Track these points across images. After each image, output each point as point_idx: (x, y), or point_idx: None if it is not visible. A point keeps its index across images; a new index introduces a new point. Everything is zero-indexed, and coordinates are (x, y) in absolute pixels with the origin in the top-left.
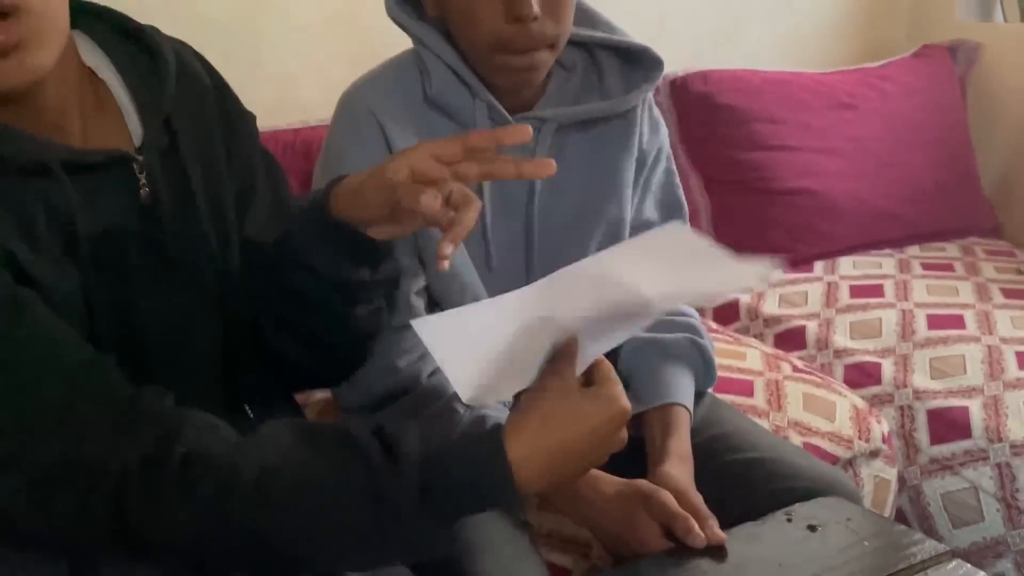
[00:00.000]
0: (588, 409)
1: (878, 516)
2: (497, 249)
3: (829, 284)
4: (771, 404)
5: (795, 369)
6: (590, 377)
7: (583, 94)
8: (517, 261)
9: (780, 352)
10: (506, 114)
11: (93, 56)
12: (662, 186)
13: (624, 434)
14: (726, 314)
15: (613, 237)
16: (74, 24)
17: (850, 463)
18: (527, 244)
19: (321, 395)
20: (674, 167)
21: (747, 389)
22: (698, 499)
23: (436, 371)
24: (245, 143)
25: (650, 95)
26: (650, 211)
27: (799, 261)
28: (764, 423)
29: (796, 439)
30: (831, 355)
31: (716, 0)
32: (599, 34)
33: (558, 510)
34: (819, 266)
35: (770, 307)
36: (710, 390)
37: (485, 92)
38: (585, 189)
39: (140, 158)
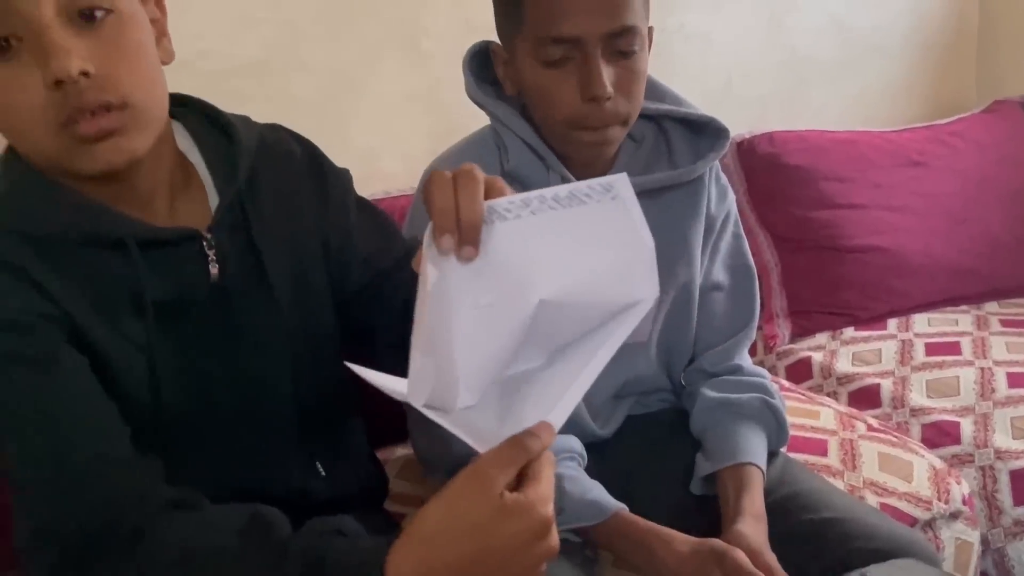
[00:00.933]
0: (501, 522)
1: None
2: None
3: (903, 341)
4: (846, 464)
5: (870, 428)
6: (520, 477)
7: (652, 163)
8: None
9: (854, 411)
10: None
11: (185, 141)
12: (730, 249)
13: (554, 542)
14: (798, 372)
15: (685, 299)
16: (172, 113)
17: (929, 525)
18: None
19: (403, 452)
20: (742, 231)
21: (821, 448)
22: (772, 559)
23: None
24: (339, 195)
25: (717, 163)
26: (719, 274)
27: (872, 318)
28: (839, 483)
29: (872, 500)
30: (907, 414)
31: (782, 63)
32: (666, 106)
33: (633, 569)
34: (892, 323)
35: (843, 365)
36: (783, 450)
37: (559, 165)
38: (656, 253)
39: (209, 236)
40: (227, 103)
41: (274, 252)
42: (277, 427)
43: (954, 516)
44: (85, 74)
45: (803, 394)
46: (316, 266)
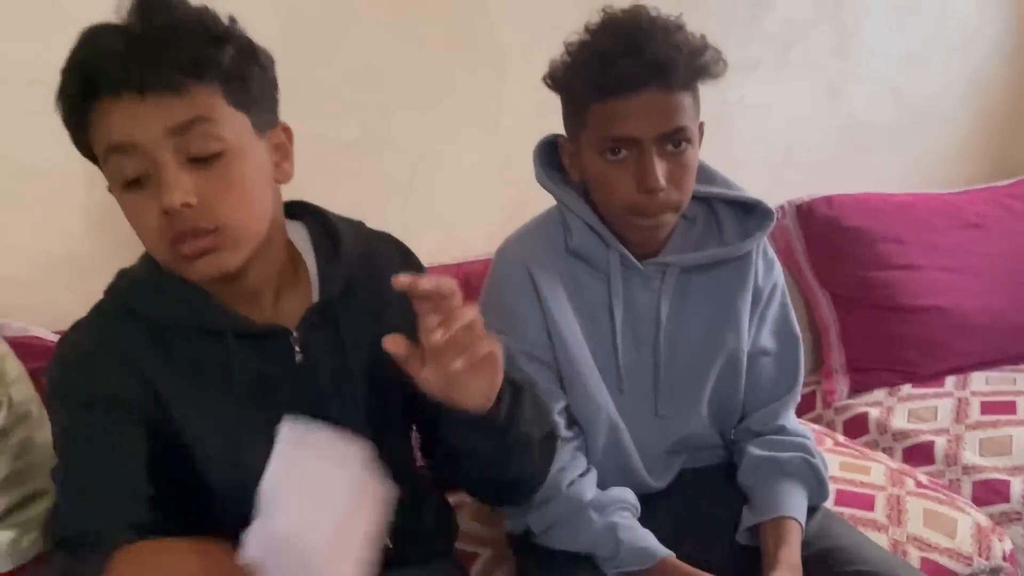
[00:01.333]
0: None
1: None
2: (627, 374)
3: (959, 400)
4: (891, 519)
5: (918, 485)
6: None
7: (703, 241)
8: (645, 385)
9: (906, 467)
10: (635, 261)
11: (302, 242)
12: (777, 318)
13: None
14: (855, 427)
15: (733, 364)
16: (293, 216)
17: None
18: (655, 370)
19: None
20: (788, 301)
21: (868, 503)
22: None
23: (574, 481)
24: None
25: (764, 239)
26: (767, 340)
27: (930, 376)
28: (883, 537)
29: (915, 554)
30: (959, 471)
31: (841, 129)
32: (717, 189)
33: None
34: (950, 381)
35: (899, 422)
36: (825, 504)
37: (617, 244)
38: (706, 322)
39: (295, 334)
40: (327, 179)
41: (357, 348)
42: None
43: (994, 572)
44: (188, 205)
45: (857, 449)
46: (381, 357)
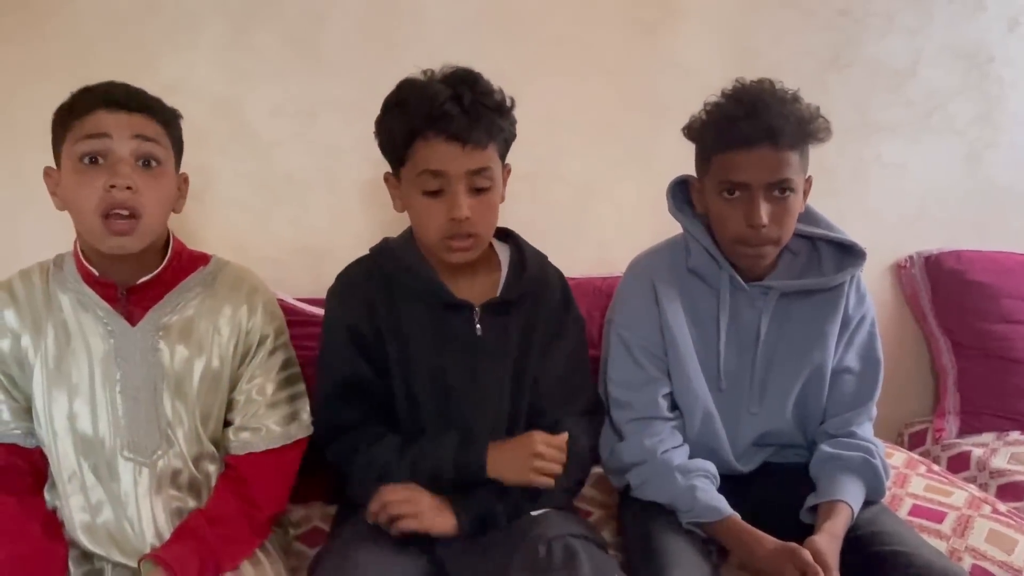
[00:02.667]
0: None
1: None
2: (727, 375)
3: None
4: (955, 532)
5: (995, 511)
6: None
7: (804, 272)
8: (743, 386)
9: (990, 497)
10: (743, 283)
11: (504, 253)
12: (864, 344)
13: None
14: (957, 463)
15: (817, 377)
16: (503, 237)
17: None
18: (751, 375)
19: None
20: (876, 331)
21: (939, 518)
22: (832, 560)
23: (667, 451)
24: (571, 325)
25: (859, 275)
26: (851, 360)
27: None
28: (941, 544)
29: (968, 561)
30: None
31: (978, 191)
32: (820, 231)
33: (738, 561)
34: None
35: (999, 462)
36: (884, 502)
37: (728, 267)
38: (799, 340)
39: (477, 310)
40: (508, 203)
41: (515, 334)
42: (490, 416)
43: None
44: (467, 218)
45: (947, 478)
46: (536, 351)
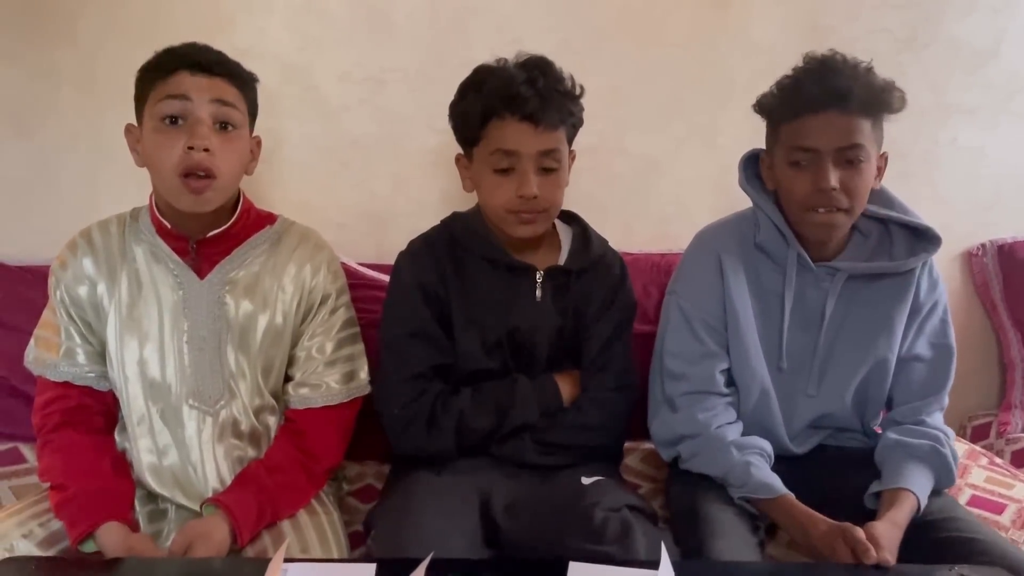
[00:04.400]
0: None
1: None
2: (788, 356)
3: None
4: (1015, 524)
5: None
6: None
7: (874, 255)
8: (803, 368)
9: None
10: (810, 262)
11: (565, 234)
12: (935, 332)
13: None
14: (1021, 458)
15: (881, 366)
16: (567, 220)
17: None
18: (812, 357)
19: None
20: (949, 318)
21: (999, 509)
22: (888, 544)
23: (720, 426)
24: (619, 301)
25: (932, 260)
26: (922, 348)
27: None
28: (1001, 534)
29: None
30: None
31: None
32: (893, 214)
33: (790, 543)
34: None
35: None
36: (949, 492)
37: (796, 244)
38: (865, 325)
39: (540, 274)
40: (572, 177)
41: (565, 297)
42: (544, 361)
43: None
44: (535, 196)
45: (1010, 471)
46: (585, 315)
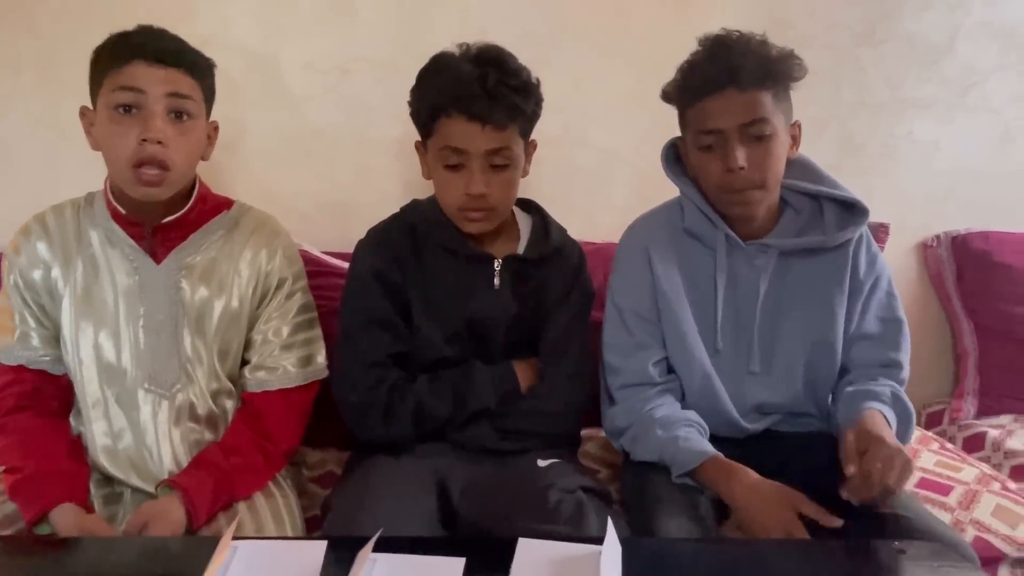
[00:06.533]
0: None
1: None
2: (725, 337)
3: None
4: (961, 505)
5: (1004, 488)
6: None
7: (806, 230)
8: (742, 347)
9: (1001, 476)
10: (740, 241)
11: (524, 223)
12: (882, 306)
13: None
14: (972, 444)
15: (826, 347)
16: (524, 207)
17: (1020, 563)
18: (748, 339)
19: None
20: (895, 291)
21: (945, 491)
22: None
23: (652, 408)
24: (575, 291)
25: (867, 235)
26: (871, 326)
27: None
28: (946, 515)
29: (971, 532)
30: None
31: (1012, 173)
32: (824, 188)
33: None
34: None
35: (1014, 443)
36: None
37: (723, 224)
38: (802, 304)
39: (498, 262)
40: (535, 168)
41: (523, 286)
42: (497, 347)
43: None
44: (483, 195)
45: (958, 455)
46: (543, 303)
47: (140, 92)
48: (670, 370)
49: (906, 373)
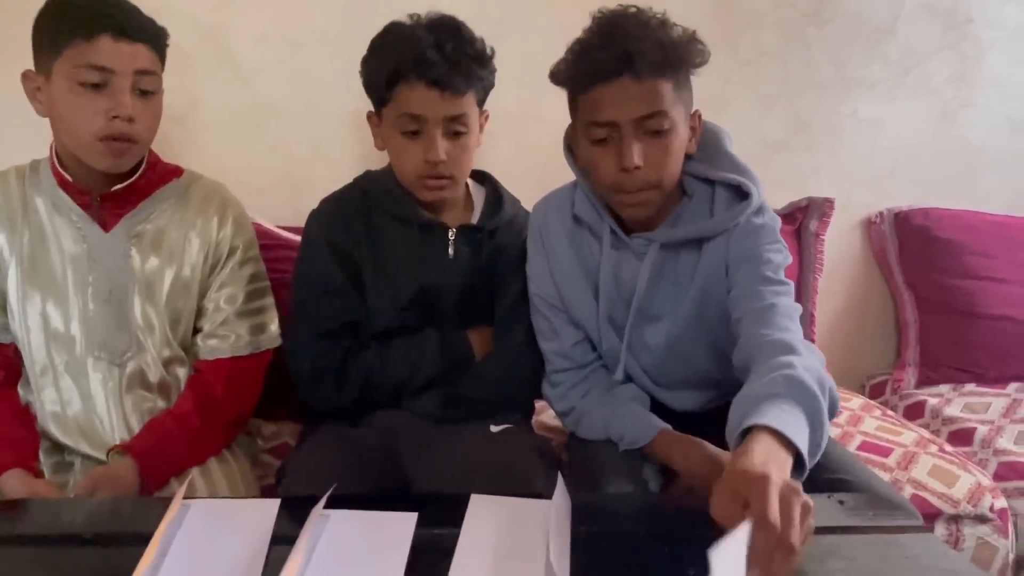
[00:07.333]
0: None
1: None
2: (608, 327)
3: (1014, 400)
4: (900, 465)
5: (941, 450)
6: None
7: (696, 217)
8: (636, 338)
9: (939, 440)
10: (623, 236)
11: (479, 194)
12: (757, 261)
13: None
14: (913, 412)
15: (718, 322)
16: (477, 178)
17: (955, 520)
18: (630, 329)
19: None
20: (777, 243)
21: (885, 452)
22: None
23: (588, 391)
24: (518, 261)
25: (752, 220)
26: (752, 282)
27: (996, 379)
28: (885, 475)
29: (908, 491)
30: (991, 453)
31: (952, 151)
32: (721, 174)
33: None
34: (1013, 386)
35: (953, 411)
36: (834, 437)
37: (608, 218)
38: (680, 296)
39: (452, 232)
40: (489, 140)
41: (477, 255)
42: (453, 318)
43: (980, 519)
44: (443, 162)
45: (900, 421)
46: (496, 273)
47: (109, 71)
48: (593, 349)
49: (796, 331)
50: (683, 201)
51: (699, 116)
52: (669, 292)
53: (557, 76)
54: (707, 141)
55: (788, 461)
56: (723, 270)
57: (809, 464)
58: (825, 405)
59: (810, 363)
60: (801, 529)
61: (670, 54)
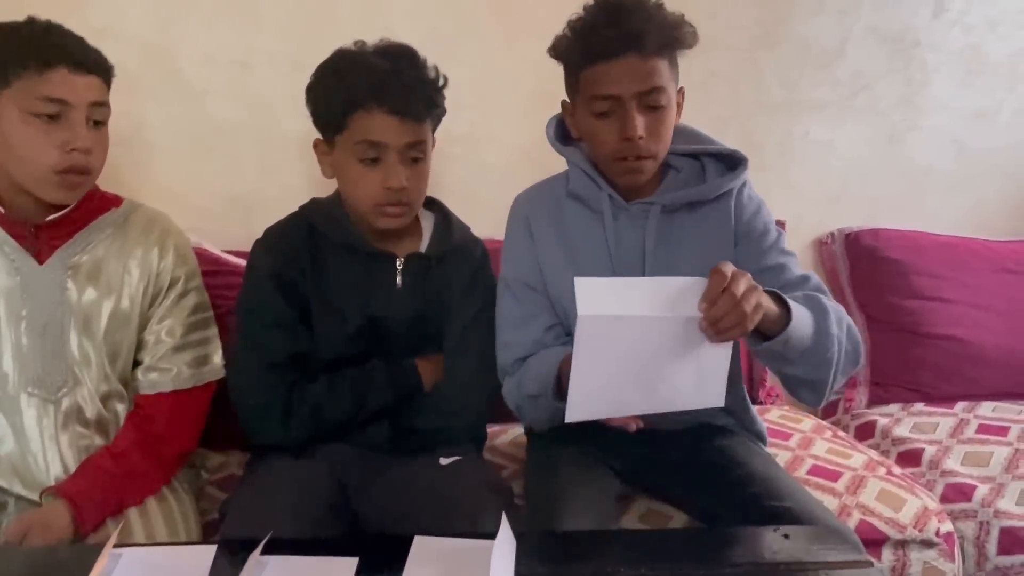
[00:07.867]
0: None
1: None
2: None
3: (961, 420)
4: (848, 490)
5: (889, 473)
6: None
7: (688, 186)
8: None
9: (887, 461)
10: (623, 201)
11: (427, 221)
12: (773, 247)
13: None
14: (864, 431)
15: None
16: (428, 206)
17: (902, 545)
18: None
19: (516, 430)
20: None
21: (834, 477)
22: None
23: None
24: (481, 288)
25: (748, 183)
26: (772, 258)
27: (944, 398)
28: (833, 500)
29: (856, 516)
30: (938, 475)
31: (899, 172)
32: (702, 146)
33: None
34: (960, 406)
35: (902, 431)
36: (781, 463)
37: (607, 186)
38: (687, 258)
39: (400, 260)
40: (442, 163)
41: (425, 284)
42: (404, 349)
43: (926, 544)
44: (404, 188)
45: (849, 442)
46: (445, 301)
47: (65, 104)
48: (569, 334)
49: (816, 281)
50: (670, 173)
51: (683, 92)
52: (670, 257)
53: (558, 51)
54: (682, 127)
55: (771, 301)
56: (729, 234)
57: (800, 339)
58: (832, 320)
59: (837, 306)
60: (747, 293)
61: (669, 35)
